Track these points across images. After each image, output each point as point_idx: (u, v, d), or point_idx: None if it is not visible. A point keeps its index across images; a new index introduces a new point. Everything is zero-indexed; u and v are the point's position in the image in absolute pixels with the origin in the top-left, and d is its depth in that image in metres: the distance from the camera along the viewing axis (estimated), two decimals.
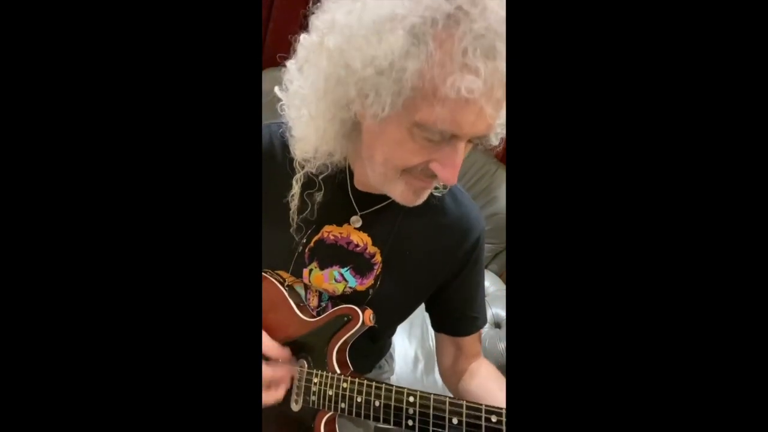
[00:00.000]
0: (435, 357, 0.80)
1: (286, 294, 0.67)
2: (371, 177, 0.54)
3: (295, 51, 0.51)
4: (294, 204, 0.61)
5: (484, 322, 0.73)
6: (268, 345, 0.63)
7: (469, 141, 0.47)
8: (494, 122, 0.43)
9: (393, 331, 0.81)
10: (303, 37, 0.48)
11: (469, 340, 0.72)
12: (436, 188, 0.60)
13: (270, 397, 0.61)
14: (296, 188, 0.60)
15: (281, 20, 1.81)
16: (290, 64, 0.51)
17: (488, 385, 0.67)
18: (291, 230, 0.63)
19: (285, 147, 0.61)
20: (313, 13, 0.47)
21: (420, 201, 0.54)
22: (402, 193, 0.52)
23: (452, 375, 0.73)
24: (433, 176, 0.49)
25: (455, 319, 0.71)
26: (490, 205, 1.82)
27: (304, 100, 0.50)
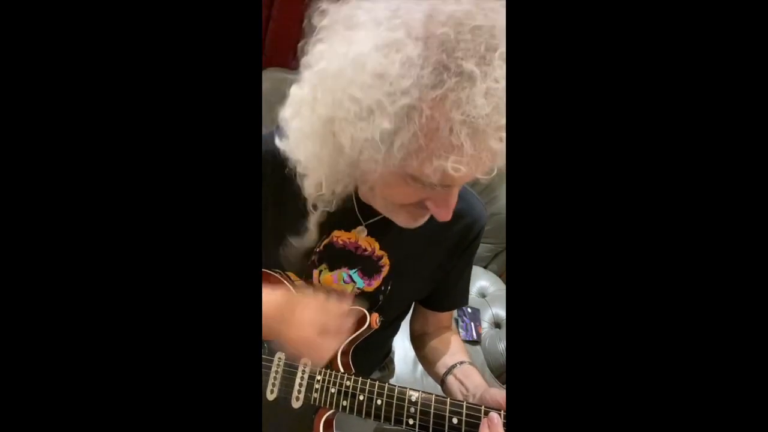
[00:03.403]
0: None
1: (294, 293, 0.68)
2: (373, 202, 0.56)
3: (297, 57, 0.49)
4: (311, 240, 0.62)
5: (464, 303, 0.77)
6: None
7: None
8: (487, 168, 0.43)
9: (397, 328, 0.83)
10: (294, 89, 0.48)
11: (444, 315, 0.77)
12: None
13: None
14: (314, 232, 0.61)
15: (281, 20, 1.81)
16: (284, 113, 0.51)
17: (451, 349, 0.73)
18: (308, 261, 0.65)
19: (280, 155, 0.61)
20: (312, 18, 0.46)
21: (421, 223, 0.55)
22: (404, 220, 0.54)
23: (420, 336, 0.80)
24: None
25: (438, 296, 0.74)
26: (490, 205, 1.82)
27: (306, 140, 0.50)
